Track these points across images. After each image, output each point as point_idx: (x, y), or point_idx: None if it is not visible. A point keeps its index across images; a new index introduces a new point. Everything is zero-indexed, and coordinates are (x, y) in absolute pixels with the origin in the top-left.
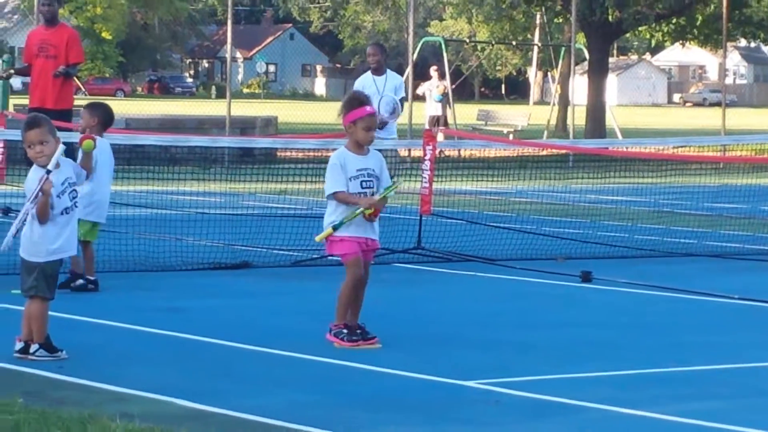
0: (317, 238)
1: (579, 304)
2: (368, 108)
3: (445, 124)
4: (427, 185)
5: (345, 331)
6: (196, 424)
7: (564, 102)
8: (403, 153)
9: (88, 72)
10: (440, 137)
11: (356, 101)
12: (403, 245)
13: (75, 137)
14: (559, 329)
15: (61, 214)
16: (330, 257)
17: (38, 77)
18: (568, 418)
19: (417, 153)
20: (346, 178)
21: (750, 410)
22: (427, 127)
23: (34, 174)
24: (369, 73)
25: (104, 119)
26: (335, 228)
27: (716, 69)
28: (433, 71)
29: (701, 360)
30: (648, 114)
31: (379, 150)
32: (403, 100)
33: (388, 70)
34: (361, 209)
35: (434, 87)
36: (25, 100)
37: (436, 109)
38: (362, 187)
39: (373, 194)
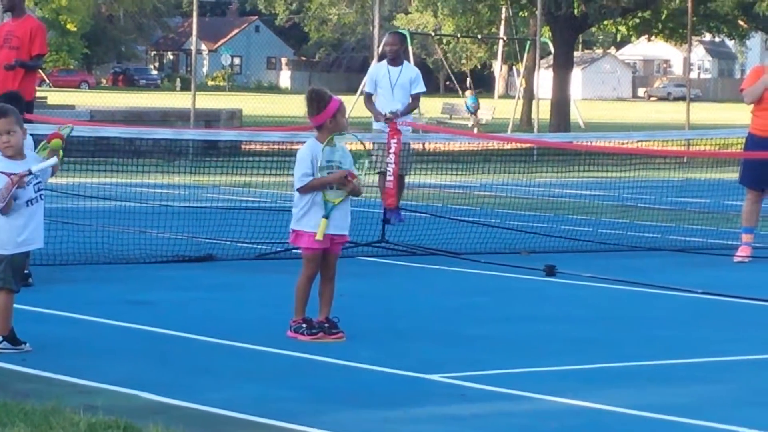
0: (317, 237)
1: (543, 298)
2: (335, 98)
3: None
4: (391, 178)
5: (304, 325)
6: (162, 417)
7: (529, 96)
8: (369, 146)
9: (52, 63)
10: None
11: (322, 99)
12: (367, 238)
13: (38, 129)
14: (524, 323)
15: (27, 205)
16: (295, 250)
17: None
18: (532, 411)
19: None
20: (315, 168)
21: (713, 404)
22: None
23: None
24: (384, 62)
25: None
26: (327, 217)
27: (681, 63)
28: None
29: (665, 354)
30: (613, 108)
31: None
32: (418, 95)
33: (406, 62)
34: (346, 191)
35: None
36: None
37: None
38: None
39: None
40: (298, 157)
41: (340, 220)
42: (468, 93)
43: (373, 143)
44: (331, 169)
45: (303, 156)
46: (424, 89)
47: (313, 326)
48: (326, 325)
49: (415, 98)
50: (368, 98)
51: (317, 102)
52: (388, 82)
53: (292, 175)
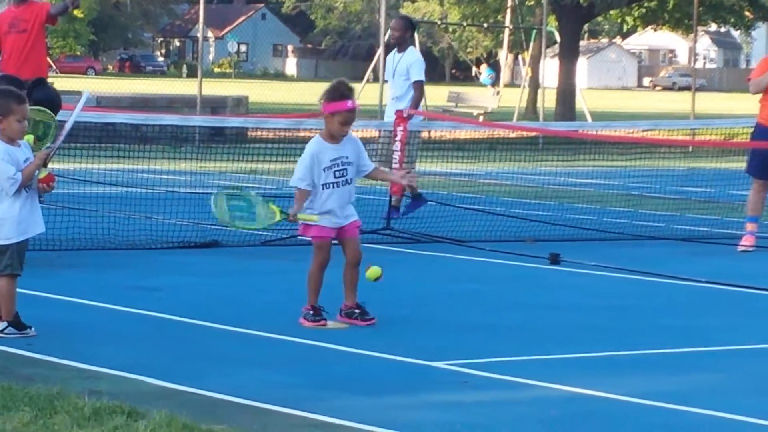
0: (299, 216)
1: (547, 287)
2: (349, 103)
3: None
4: (397, 166)
5: (311, 312)
6: (166, 402)
7: (534, 84)
8: (374, 134)
9: (59, 50)
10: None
11: (338, 93)
12: (372, 226)
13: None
14: (528, 311)
15: (25, 191)
16: (301, 237)
17: (10, 53)
18: (535, 399)
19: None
20: (318, 170)
21: (716, 393)
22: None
23: (4, 150)
24: (395, 49)
25: None
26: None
27: (686, 53)
28: None
29: (668, 343)
30: (618, 97)
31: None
32: (417, 82)
33: (411, 48)
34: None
35: None
36: None
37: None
38: (335, 177)
39: (348, 181)
40: (303, 155)
41: (339, 209)
42: (483, 66)
43: (380, 131)
44: (336, 167)
45: (304, 156)
46: (420, 77)
47: (319, 314)
48: (357, 311)
49: (416, 87)
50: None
51: (329, 92)
52: (392, 69)
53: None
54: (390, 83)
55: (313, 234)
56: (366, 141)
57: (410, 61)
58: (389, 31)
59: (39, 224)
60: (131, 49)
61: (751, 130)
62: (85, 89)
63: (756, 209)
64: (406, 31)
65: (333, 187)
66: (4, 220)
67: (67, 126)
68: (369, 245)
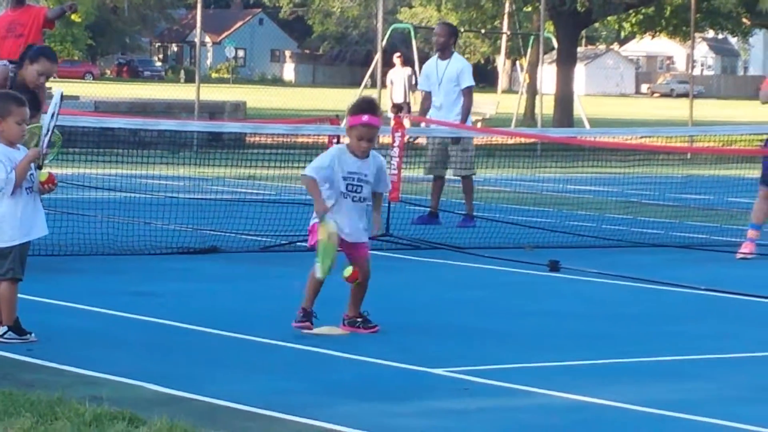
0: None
1: (546, 294)
2: (365, 117)
3: (409, 111)
4: (395, 172)
5: (300, 313)
6: (167, 408)
7: (532, 91)
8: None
9: (57, 54)
10: (407, 124)
11: (357, 107)
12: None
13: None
14: (527, 318)
15: (27, 193)
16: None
17: (7, 57)
18: (536, 406)
19: (385, 140)
20: (333, 173)
21: (716, 400)
22: (390, 114)
23: (1, 151)
24: (435, 56)
25: None
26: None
27: (684, 60)
28: (395, 58)
29: (668, 350)
30: (616, 104)
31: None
32: (467, 89)
33: (456, 54)
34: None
35: (398, 75)
36: None
37: (399, 97)
38: (347, 189)
39: (362, 199)
40: (327, 150)
41: (346, 224)
42: None
43: (427, 138)
44: (350, 181)
45: (328, 153)
46: (472, 83)
47: (307, 317)
48: (359, 320)
49: (466, 93)
50: (425, 97)
51: (351, 107)
52: (436, 76)
53: (296, 167)
54: (434, 91)
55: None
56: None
57: (460, 67)
58: (435, 36)
59: (42, 227)
60: (129, 54)
61: (750, 137)
62: (57, 88)
63: (758, 217)
64: (450, 37)
65: (342, 198)
66: (4, 221)
67: (47, 125)
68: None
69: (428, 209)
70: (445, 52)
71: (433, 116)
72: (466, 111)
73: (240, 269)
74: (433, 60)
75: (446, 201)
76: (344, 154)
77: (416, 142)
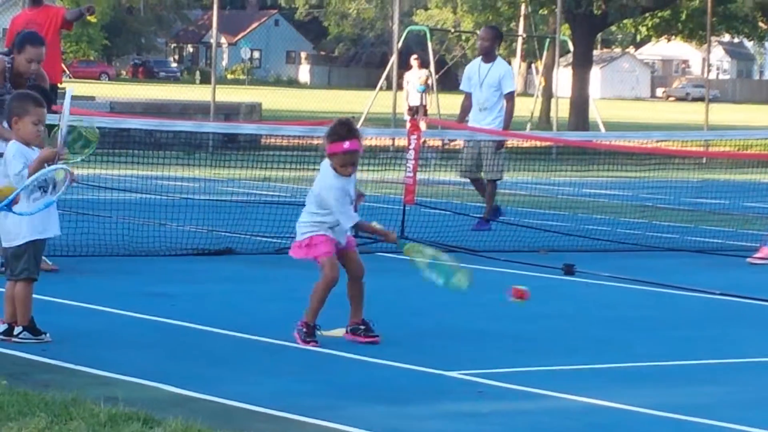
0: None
1: (561, 297)
2: (346, 144)
3: (425, 114)
4: (411, 175)
5: (304, 330)
6: (181, 409)
7: (548, 94)
8: (387, 142)
9: (72, 54)
10: (423, 126)
11: (335, 135)
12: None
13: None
14: (542, 321)
15: (41, 192)
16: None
17: None
18: (550, 409)
19: (401, 142)
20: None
21: (730, 405)
22: (406, 117)
23: (17, 149)
24: (479, 59)
25: None
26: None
27: (699, 63)
28: (413, 60)
29: (682, 355)
30: (631, 108)
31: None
32: (509, 94)
33: (499, 58)
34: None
35: (415, 77)
36: None
37: (415, 100)
38: None
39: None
40: (327, 190)
41: (337, 235)
42: (420, 81)
43: (464, 142)
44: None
45: (332, 185)
46: (514, 87)
47: (311, 334)
48: (362, 327)
49: (510, 98)
50: (465, 97)
51: (329, 133)
52: (478, 78)
53: (311, 169)
54: (475, 94)
55: (322, 251)
56: (379, 149)
57: (502, 72)
58: (480, 39)
59: (55, 227)
60: (144, 55)
61: (766, 141)
62: (68, 87)
63: None
64: (494, 41)
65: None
66: (21, 219)
67: (63, 126)
68: (383, 254)
69: (479, 216)
70: (488, 56)
71: (473, 118)
72: (509, 116)
73: (255, 271)
74: (476, 62)
75: (461, 204)
76: (340, 179)
77: (453, 144)
